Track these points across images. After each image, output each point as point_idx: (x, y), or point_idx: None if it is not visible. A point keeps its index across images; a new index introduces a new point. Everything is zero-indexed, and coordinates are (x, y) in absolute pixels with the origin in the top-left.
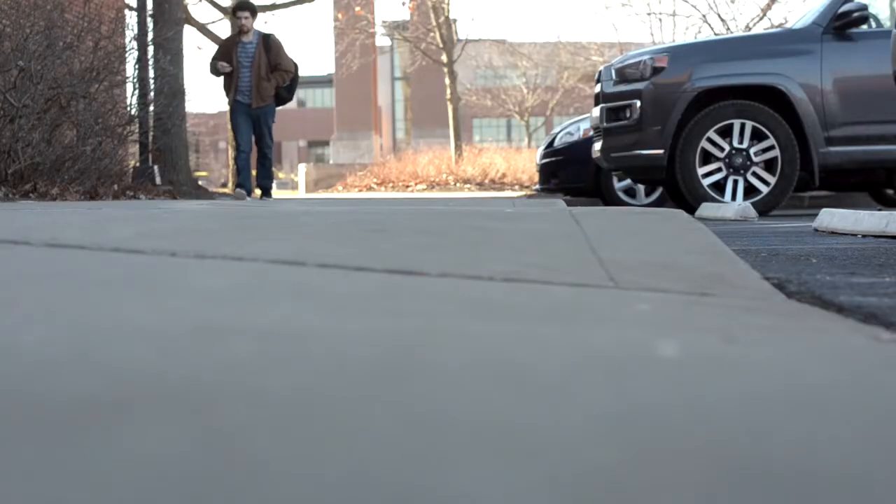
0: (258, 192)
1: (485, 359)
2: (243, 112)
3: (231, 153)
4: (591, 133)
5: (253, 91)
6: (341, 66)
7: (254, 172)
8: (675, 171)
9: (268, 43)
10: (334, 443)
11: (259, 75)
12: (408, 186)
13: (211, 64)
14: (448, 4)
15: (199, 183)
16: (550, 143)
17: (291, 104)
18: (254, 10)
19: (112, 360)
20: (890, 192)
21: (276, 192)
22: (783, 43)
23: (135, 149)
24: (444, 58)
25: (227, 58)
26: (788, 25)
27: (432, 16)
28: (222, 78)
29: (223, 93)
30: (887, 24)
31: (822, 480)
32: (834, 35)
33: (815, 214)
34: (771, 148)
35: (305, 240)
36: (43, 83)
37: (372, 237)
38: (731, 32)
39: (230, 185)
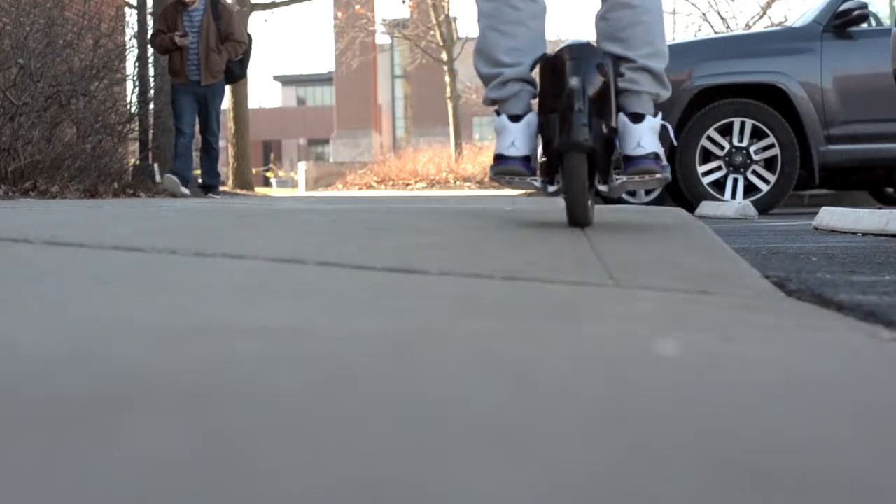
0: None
1: (485, 358)
2: (189, 91)
3: (231, 151)
4: None
5: (202, 65)
6: (341, 65)
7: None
8: (675, 170)
9: (217, 9)
10: (334, 442)
11: (208, 46)
12: (408, 185)
13: (153, 38)
14: (448, 3)
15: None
16: None
17: (291, 102)
18: None
19: (112, 359)
20: (890, 190)
21: (276, 191)
22: (783, 41)
23: (135, 147)
24: (444, 56)
25: (171, 29)
26: (788, 24)
27: (432, 14)
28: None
29: (170, 72)
30: (887, 22)
31: (821, 480)
32: (834, 33)
33: (815, 213)
34: (771, 146)
35: (305, 238)
36: (43, 81)
37: (372, 236)
38: (731, 30)
39: (230, 182)
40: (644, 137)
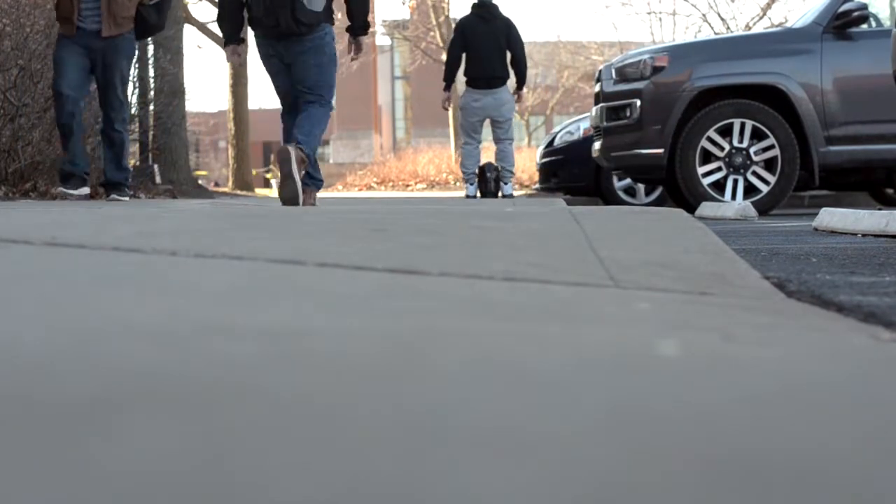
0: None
1: (485, 358)
2: (80, 45)
3: (231, 152)
4: (592, 132)
5: (103, 10)
6: (341, 66)
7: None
8: (675, 171)
9: None
10: (334, 443)
11: None
12: (408, 186)
13: None
14: (448, 4)
15: (199, 182)
16: (550, 143)
17: None
18: None
19: (112, 360)
20: (890, 191)
21: (275, 192)
22: (783, 42)
23: (135, 148)
24: (444, 57)
25: None
26: (788, 25)
27: (432, 15)
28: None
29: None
30: (887, 23)
31: (821, 480)
32: (834, 34)
33: (815, 214)
34: (771, 147)
35: (305, 239)
36: (43, 82)
37: (372, 236)
38: (731, 32)
39: (230, 183)
40: (509, 188)
